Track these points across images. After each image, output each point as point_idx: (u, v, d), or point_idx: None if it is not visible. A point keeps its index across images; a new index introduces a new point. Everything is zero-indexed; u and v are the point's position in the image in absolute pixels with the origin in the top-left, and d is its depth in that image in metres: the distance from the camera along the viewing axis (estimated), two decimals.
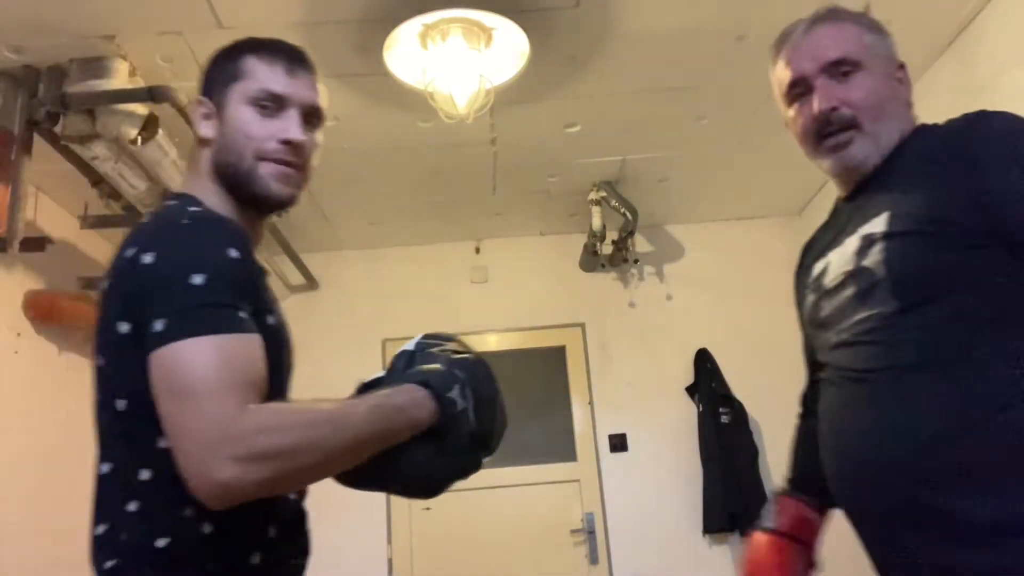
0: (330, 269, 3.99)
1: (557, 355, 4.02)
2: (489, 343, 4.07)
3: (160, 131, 2.45)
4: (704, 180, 3.63)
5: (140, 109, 2.38)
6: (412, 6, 2.22)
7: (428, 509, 3.74)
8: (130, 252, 0.98)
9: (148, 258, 0.94)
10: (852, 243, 1.17)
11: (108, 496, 1.00)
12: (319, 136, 1.22)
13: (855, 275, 1.14)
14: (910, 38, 2.61)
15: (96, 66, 2.36)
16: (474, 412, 1.02)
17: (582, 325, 4.02)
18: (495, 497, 3.78)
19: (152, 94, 2.32)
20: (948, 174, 1.07)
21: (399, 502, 3.74)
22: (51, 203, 3.22)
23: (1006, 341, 1.00)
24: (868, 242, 1.12)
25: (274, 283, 3.85)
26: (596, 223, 3.60)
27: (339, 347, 3.75)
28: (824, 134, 1.20)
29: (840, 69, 1.20)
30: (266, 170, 1.11)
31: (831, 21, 1.26)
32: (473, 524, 3.74)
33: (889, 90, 1.21)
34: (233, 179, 1.10)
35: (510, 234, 4.10)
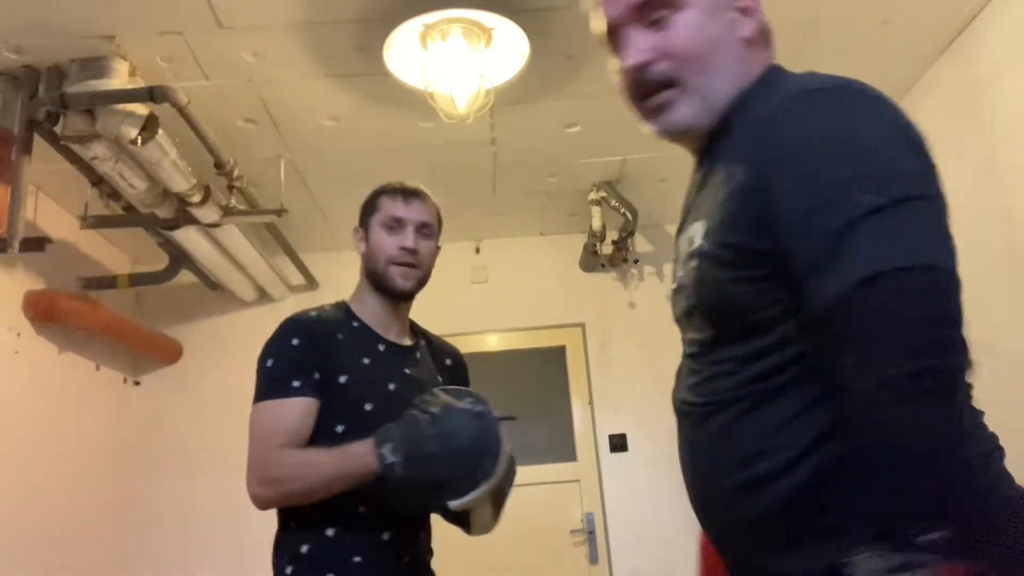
0: (330, 269, 3.99)
1: (557, 355, 4.02)
2: (489, 343, 4.07)
3: (160, 131, 2.45)
4: None
5: (140, 109, 2.38)
6: (412, 6, 2.22)
7: None
8: None
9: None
10: (687, 238, 0.98)
11: None
12: (433, 242, 1.68)
13: (680, 289, 0.99)
14: (910, 38, 2.62)
15: (96, 66, 2.36)
16: (403, 467, 1.31)
17: (582, 325, 4.02)
18: None
19: (152, 94, 2.31)
20: (746, 178, 0.88)
21: None
22: (51, 203, 3.22)
23: (813, 382, 0.84)
24: (689, 251, 0.96)
25: (274, 283, 3.81)
26: (596, 223, 3.59)
27: None
28: (642, 94, 1.02)
29: (653, 12, 0.99)
30: (394, 271, 1.59)
31: None
32: None
33: (719, 32, 0.97)
34: (374, 279, 1.61)
35: (510, 234, 4.10)
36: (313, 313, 1.55)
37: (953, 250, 0.81)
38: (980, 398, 2.69)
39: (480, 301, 4.03)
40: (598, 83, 2.75)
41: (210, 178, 2.81)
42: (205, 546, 3.57)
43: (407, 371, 1.57)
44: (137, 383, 3.84)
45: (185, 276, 3.60)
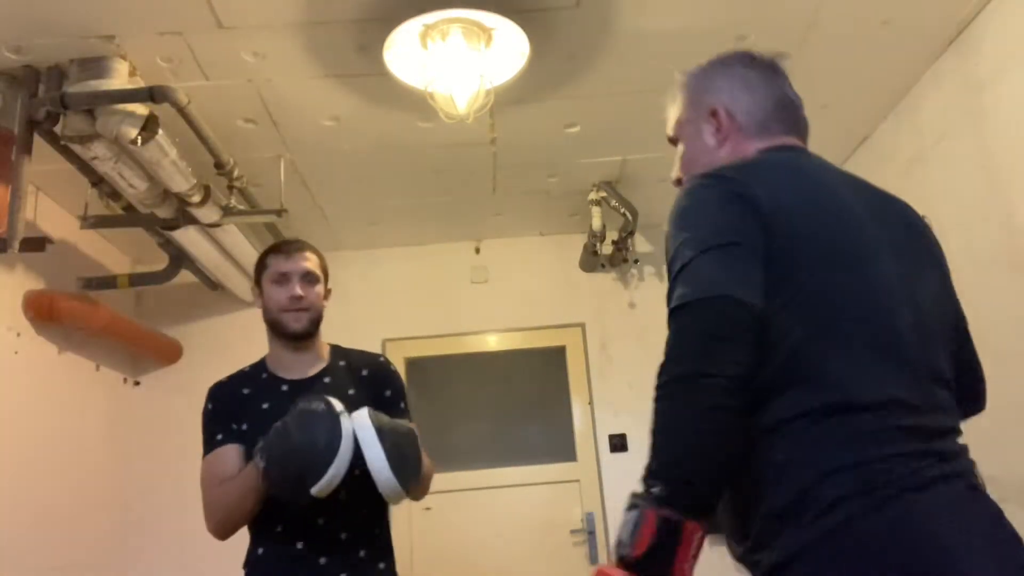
0: (330, 269, 3.97)
1: (557, 355, 4.02)
2: (489, 343, 4.07)
3: (160, 131, 2.45)
4: None
5: (140, 109, 2.38)
6: (412, 6, 2.22)
7: (428, 509, 3.74)
8: None
9: None
10: None
11: None
12: (319, 287, 1.92)
13: None
14: (910, 38, 2.62)
15: (96, 66, 2.35)
16: (269, 467, 1.59)
17: (582, 325, 4.02)
18: (495, 497, 3.78)
19: (152, 94, 2.32)
20: None
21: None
22: (51, 203, 3.23)
23: None
24: None
25: None
26: (596, 223, 3.60)
27: None
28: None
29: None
30: (286, 317, 1.84)
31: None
32: (473, 524, 3.74)
33: (696, 146, 1.36)
34: (273, 327, 1.88)
35: (510, 234, 4.10)
36: (225, 379, 1.88)
37: (733, 281, 0.99)
38: None
39: (480, 301, 4.03)
40: (598, 83, 2.75)
41: (210, 178, 2.81)
42: (205, 546, 3.57)
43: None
44: (137, 383, 3.84)
45: (185, 276, 3.60)
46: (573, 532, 3.73)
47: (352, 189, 3.46)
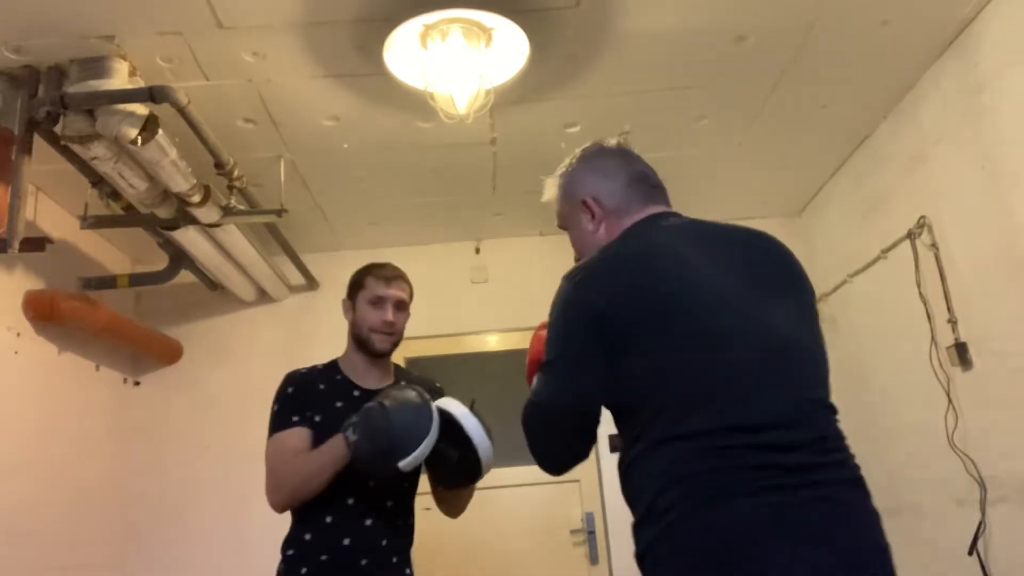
0: (330, 269, 3.99)
1: None
2: (489, 343, 4.07)
3: (160, 131, 2.45)
4: (704, 180, 3.63)
5: (140, 109, 2.37)
6: (412, 6, 2.22)
7: (428, 509, 3.73)
8: None
9: None
10: None
11: None
12: (406, 313, 2.10)
13: None
14: (910, 38, 2.62)
15: (96, 66, 2.35)
16: (360, 440, 1.73)
17: None
18: (495, 497, 3.78)
19: (152, 94, 2.31)
20: None
21: None
22: (51, 203, 3.23)
23: None
24: None
25: (274, 283, 3.81)
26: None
27: (339, 347, 3.72)
28: None
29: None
30: (375, 337, 2.02)
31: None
32: (473, 524, 3.73)
33: (580, 233, 1.61)
34: (358, 341, 2.04)
35: (510, 234, 4.10)
36: (304, 369, 2.01)
37: (558, 393, 1.35)
38: (981, 397, 2.69)
39: (480, 301, 4.03)
40: (598, 83, 2.75)
41: (210, 178, 2.81)
42: (205, 546, 3.57)
43: None
44: (137, 383, 3.84)
45: (185, 276, 3.59)
46: (573, 532, 3.73)
47: (352, 189, 3.46)
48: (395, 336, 2.04)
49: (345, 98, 2.73)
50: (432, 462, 1.85)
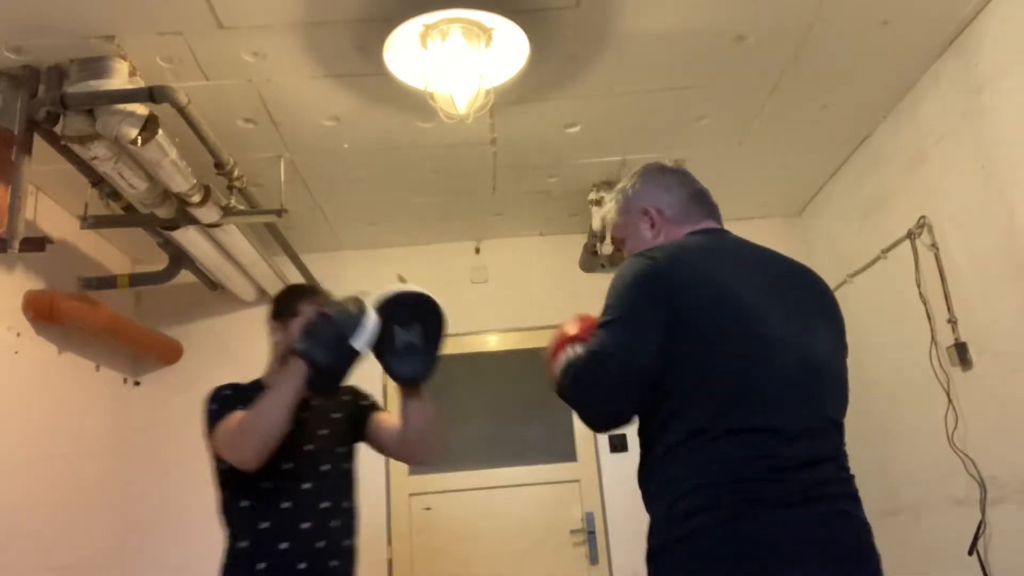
0: (330, 269, 3.99)
1: None
2: (489, 343, 4.07)
3: (160, 131, 2.45)
4: (704, 180, 3.59)
5: (140, 109, 2.37)
6: (412, 6, 2.22)
7: (428, 509, 3.74)
8: None
9: None
10: None
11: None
12: None
13: None
14: (910, 38, 2.62)
15: (96, 66, 2.35)
16: (312, 341, 1.77)
17: None
18: (495, 497, 3.78)
19: (152, 94, 2.31)
20: None
21: (399, 503, 3.74)
22: (51, 203, 3.23)
23: None
24: None
25: (274, 283, 3.80)
26: (596, 223, 3.59)
27: None
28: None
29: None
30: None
31: None
32: (473, 524, 3.74)
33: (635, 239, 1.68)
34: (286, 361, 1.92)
35: (510, 234, 4.10)
36: (232, 383, 1.99)
37: (622, 344, 1.36)
38: (981, 397, 2.70)
39: (480, 301, 4.03)
40: (598, 83, 2.75)
41: (210, 178, 2.81)
42: (205, 546, 3.57)
43: (304, 415, 1.96)
44: (137, 383, 3.84)
45: (185, 276, 3.59)
46: (573, 532, 3.73)
47: (352, 189, 3.46)
48: None
49: (345, 98, 2.73)
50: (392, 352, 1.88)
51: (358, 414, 2.10)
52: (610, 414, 1.41)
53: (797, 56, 2.68)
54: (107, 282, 3.41)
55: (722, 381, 1.29)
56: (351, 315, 1.79)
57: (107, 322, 3.24)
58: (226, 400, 1.92)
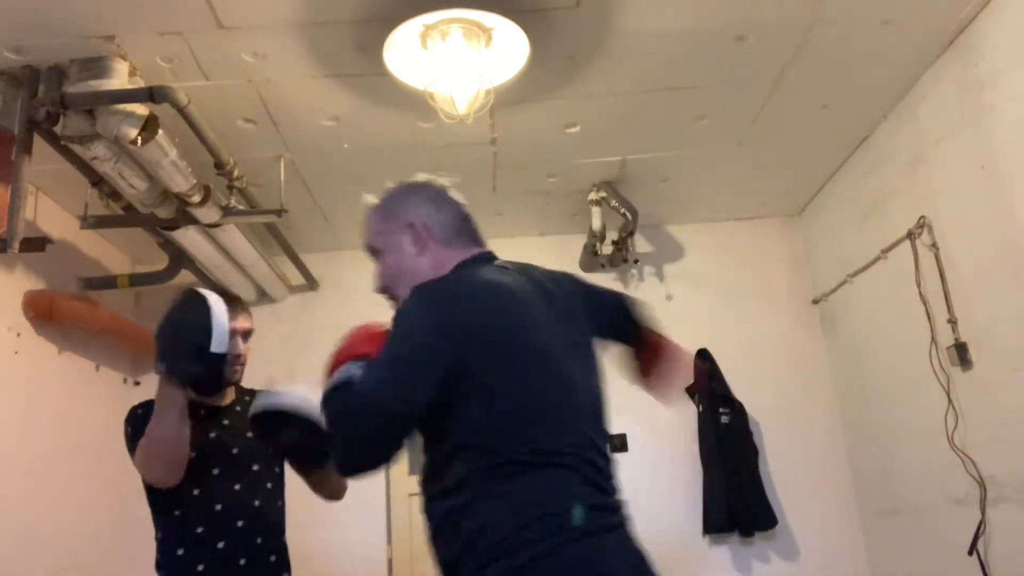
0: (330, 269, 3.99)
1: None
2: None
3: (160, 131, 2.45)
4: (704, 180, 3.63)
5: (140, 109, 2.37)
6: (412, 6, 2.22)
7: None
8: None
9: None
10: None
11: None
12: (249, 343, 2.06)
13: None
14: (910, 38, 2.62)
15: (96, 66, 2.36)
16: (164, 360, 1.74)
17: None
18: None
19: (152, 94, 2.31)
20: None
21: (399, 502, 3.74)
22: (51, 203, 3.22)
23: None
24: None
25: (274, 283, 3.79)
26: (596, 223, 3.59)
27: None
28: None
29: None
30: (229, 370, 2.00)
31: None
32: None
33: (397, 259, 1.57)
34: None
35: (510, 234, 4.09)
36: (144, 402, 2.00)
37: (397, 387, 1.28)
38: (981, 397, 2.70)
39: None
40: (598, 83, 2.75)
41: (210, 178, 2.81)
42: None
43: (224, 422, 2.02)
44: (137, 383, 3.84)
45: (185, 276, 3.59)
46: None
47: (352, 189, 3.45)
48: (244, 365, 2.05)
49: (345, 98, 2.73)
50: (284, 447, 1.92)
51: None
52: (365, 457, 1.29)
53: (797, 56, 2.68)
54: (107, 282, 3.41)
55: (509, 417, 1.27)
56: (196, 319, 1.73)
57: (107, 322, 3.24)
58: (139, 420, 1.94)
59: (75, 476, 3.28)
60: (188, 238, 3.14)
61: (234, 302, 1.99)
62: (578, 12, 2.36)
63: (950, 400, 2.79)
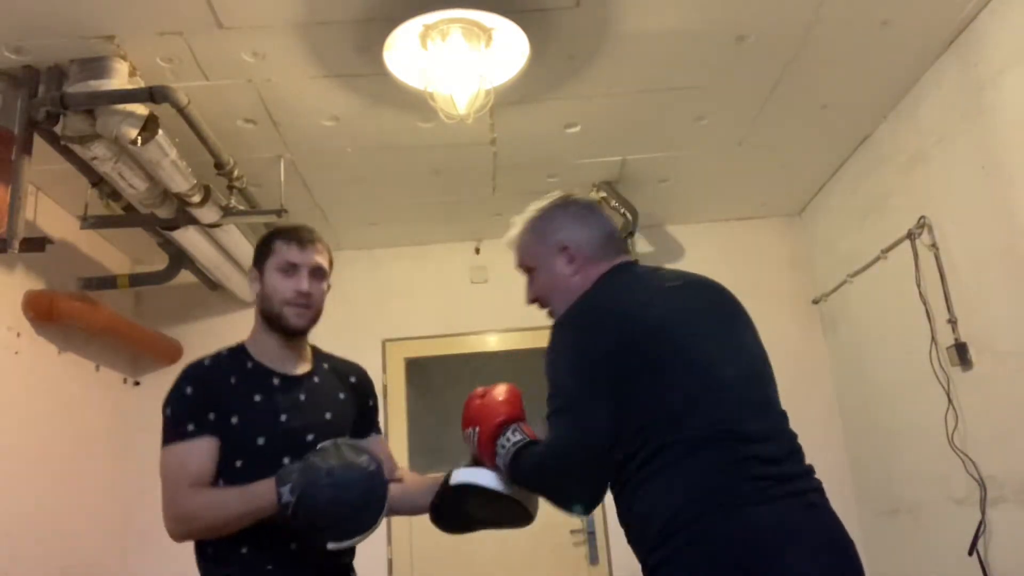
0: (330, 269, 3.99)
1: None
2: (489, 343, 4.07)
3: (160, 131, 2.45)
4: (704, 180, 3.63)
5: (140, 109, 2.37)
6: (412, 6, 2.22)
7: None
8: None
9: None
10: None
11: None
12: (325, 283, 1.80)
13: None
14: (910, 38, 2.62)
15: (96, 66, 2.35)
16: (296, 508, 1.46)
17: None
18: None
19: (152, 94, 2.32)
20: None
21: None
22: (51, 203, 3.23)
23: None
24: None
25: None
26: None
27: (339, 347, 3.71)
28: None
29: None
30: (288, 312, 1.69)
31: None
32: None
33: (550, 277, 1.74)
34: (269, 318, 1.71)
35: None
36: (207, 361, 1.69)
37: (588, 430, 1.41)
38: (981, 397, 2.70)
39: (480, 301, 4.03)
40: (598, 83, 2.75)
41: (210, 178, 2.81)
42: None
43: (302, 398, 1.71)
44: (137, 383, 3.84)
45: (185, 276, 3.59)
46: (573, 532, 3.73)
47: (352, 189, 3.46)
48: (312, 311, 1.74)
49: (345, 98, 2.73)
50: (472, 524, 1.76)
51: (359, 416, 1.82)
52: (592, 495, 1.48)
53: (797, 56, 2.68)
54: (107, 282, 3.41)
55: (677, 408, 1.36)
56: (351, 516, 1.50)
57: (107, 322, 3.24)
58: (181, 409, 1.60)
59: (75, 476, 3.28)
60: (188, 238, 3.14)
61: (300, 231, 1.75)
62: (578, 12, 2.36)
63: (950, 400, 2.79)
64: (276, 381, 1.69)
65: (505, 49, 2.37)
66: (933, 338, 2.89)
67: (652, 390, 1.37)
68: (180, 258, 3.43)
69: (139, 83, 2.45)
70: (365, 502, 1.50)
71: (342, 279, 4.00)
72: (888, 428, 3.29)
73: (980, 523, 2.63)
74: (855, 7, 2.44)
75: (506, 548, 3.71)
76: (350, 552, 1.76)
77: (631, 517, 1.44)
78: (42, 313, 3.00)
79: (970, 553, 2.65)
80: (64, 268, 3.26)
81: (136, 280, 3.51)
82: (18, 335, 2.96)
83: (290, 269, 1.70)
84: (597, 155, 3.31)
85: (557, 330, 1.50)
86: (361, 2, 2.26)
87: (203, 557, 1.67)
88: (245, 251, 3.41)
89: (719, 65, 2.70)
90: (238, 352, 1.72)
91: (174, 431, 1.59)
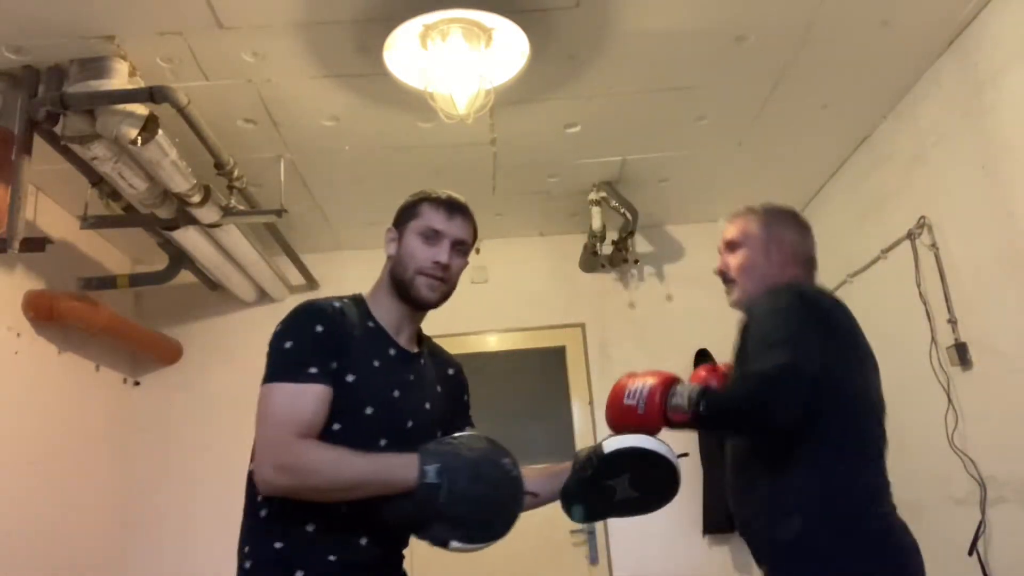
0: (330, 269, 3.99)
1: (557, 355, 4.02)
2: (489, 343, 4.07)
3: (160, 131, 2.45)
4: (704, 180, 3.63)
5: (140, 109, 2.37)
6: (412, 6, 2.22)
7: None
8: None
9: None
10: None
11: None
12: (464, 259, 1.63)
13: None
14: (910, 38, 2.62)
15: (96, 66, 2.36)
16: (447, 494, 1.31)
17: (582, 325, 4.01)
18: None
19: (152, 94, 2.32)
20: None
21: None
22: (51, 203, 3.23)
23: None
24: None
25: (274, 283, 3.79)
26: (596, 223, 3.59)
27: None
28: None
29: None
30: (421, 281, 1.55)
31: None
32: None
33: (755, 258, 1.88)
34: (398, 284, 1.56)
35: (510, 234, 4.09)
36: (337, 304, 1.49)
37: (810, 358, 1.51)
38: (981, 397, 2.71)
39: (480, 301, 4.02)
40: (598, 83, 2.75)
41: (210, 178, 2.81)
42: (205, 546, 3.57)
43: (411, 378, 1.55)
44: (137, 383, 3.84)
45: (185, 276, 3.60)
46: (573, 532, 3.73)
47: (352, 189, 3.46)
48: (447, 286, 1.58)
49: (345, 98, 2.73)
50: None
51: (454, 409, 1.70)
52: (794, 417, 1.49)
53: (797, 56, 2.68)
54: (107, 282, 3.41)
55: (860, 414, 1.69)
56: (490, 525, 1.40)
57: (107, 322, 3.24)
58: (306, 345, 1.40)
59: (75, 476, 3.28)
60: (188, 238, 3.14)
61: (451, 199, 1.62)
62: (578, 12, 2.36)
63: (950, 400, 2.78)
64: (392, 352, 1.53)
65: (505, 49, 2.37)
66: (933, 338, 2.89)
67: (849, 380, 1.64)
68: (180, 258, 3.43)
69: (139, 83, 2.45)
70: (506, 506, 1.39)
71: (342, 279, 4.01)
72: (888, 428, 3.29)
73: (980, 523, 2.63)
74: (855, 7, 2.44)
75: (506, 548, 3.69)
76: (401, 556, 1.65)
77: (792, 486, 1.62)
78: (42, 313, 3.00)
79: (970, 553, 2.65)
80: (64, 268, 3.26)
81: (136, 280, 3.51)
82: (18, 335, 2.96)
83: (432, 236, 1.55)
84: (597, 155, 3.31)
85: (783, 290, 1.65)
86: (361, 2, 2.26)
87: (255, 520, 1.42)
88: (245, 251, 3.41)
89: (719, 65, 2.70)
90: (360, 306, 1.54)
91: (293, 368, 1.37)
